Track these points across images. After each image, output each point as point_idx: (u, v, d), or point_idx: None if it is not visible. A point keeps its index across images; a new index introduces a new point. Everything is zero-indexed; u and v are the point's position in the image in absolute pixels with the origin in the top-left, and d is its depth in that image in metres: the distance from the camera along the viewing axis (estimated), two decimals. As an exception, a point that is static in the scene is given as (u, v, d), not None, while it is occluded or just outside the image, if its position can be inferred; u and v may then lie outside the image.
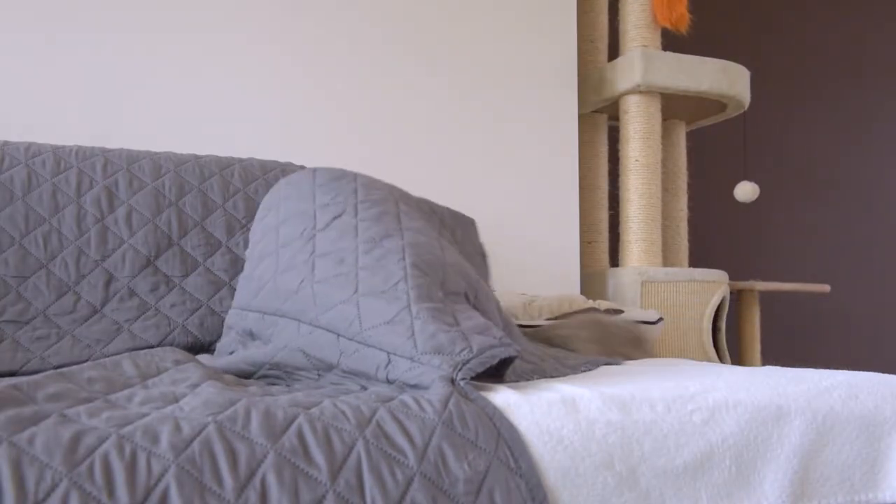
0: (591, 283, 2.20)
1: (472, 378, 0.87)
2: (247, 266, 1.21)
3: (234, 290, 1.36)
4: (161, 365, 0.96)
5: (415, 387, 0.83)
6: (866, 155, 3.58)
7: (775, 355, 3.24)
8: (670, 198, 2.39)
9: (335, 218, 1.12)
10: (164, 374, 0.92)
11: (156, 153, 1.53)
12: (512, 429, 0.74)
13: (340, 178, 1.23)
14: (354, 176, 1.24)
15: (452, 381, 0.80)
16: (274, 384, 0.98)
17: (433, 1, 1.99)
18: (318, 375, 0.97)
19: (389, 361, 0.87)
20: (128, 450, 0.61)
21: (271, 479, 0.63)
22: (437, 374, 0.81)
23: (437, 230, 1.19)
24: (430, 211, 1.33)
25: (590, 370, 1.08)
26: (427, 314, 0.91)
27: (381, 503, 0.64)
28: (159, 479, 0.60)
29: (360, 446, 0.67)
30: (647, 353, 1.28)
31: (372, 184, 1.24)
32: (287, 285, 1.05)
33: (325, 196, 1.18)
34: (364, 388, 0.89)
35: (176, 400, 0.76)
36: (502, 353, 0.87)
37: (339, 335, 0.94)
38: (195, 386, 0.85)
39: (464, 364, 0.83)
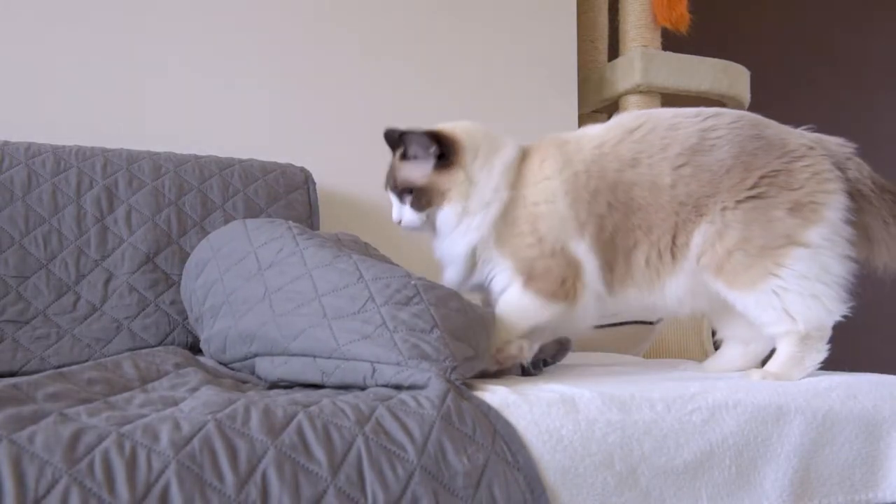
0: (591, 283, 2.19)
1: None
2: (204, 329, 1.17)
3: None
4: (162, 368, 0.96)
5: (409, 388, 0.82)
6: (866, 155, 3.58)
7: (775, 356, 3.24)
8: (670, 198, 2.38)
9: (278, 252, 1.09)
10: (165, 378, 0.92)
11: (156, 153, 1.53)
12: (508, 425, 0.74)
13: (271, 221, 1.22)
14: (283, 220, 1.23)
15: (447, 380, 0.80)
16: None
17: (433, 2, 1.99)
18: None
19: (375, 371, 0.85)
20: (128, 447, 0.61)
21: (272, 475, 0.63)
22: (431, 374, 0.81)
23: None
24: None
25: None
26: (404, 327, 0.88)
27: (383, 497, 0.64)
28: (160, 476, 0.60)
29: (359, 442, 0.68)
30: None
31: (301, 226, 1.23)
32: (249, 328, 1.02)
33: (261, 237, 1.15)
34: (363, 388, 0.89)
35: (175, 403, 0.76)
36: (480, 365, 0.91)
37: (315, 357, 0.91)
38: (194, 390, 0.85)
39: (452, 368, 0.83)
